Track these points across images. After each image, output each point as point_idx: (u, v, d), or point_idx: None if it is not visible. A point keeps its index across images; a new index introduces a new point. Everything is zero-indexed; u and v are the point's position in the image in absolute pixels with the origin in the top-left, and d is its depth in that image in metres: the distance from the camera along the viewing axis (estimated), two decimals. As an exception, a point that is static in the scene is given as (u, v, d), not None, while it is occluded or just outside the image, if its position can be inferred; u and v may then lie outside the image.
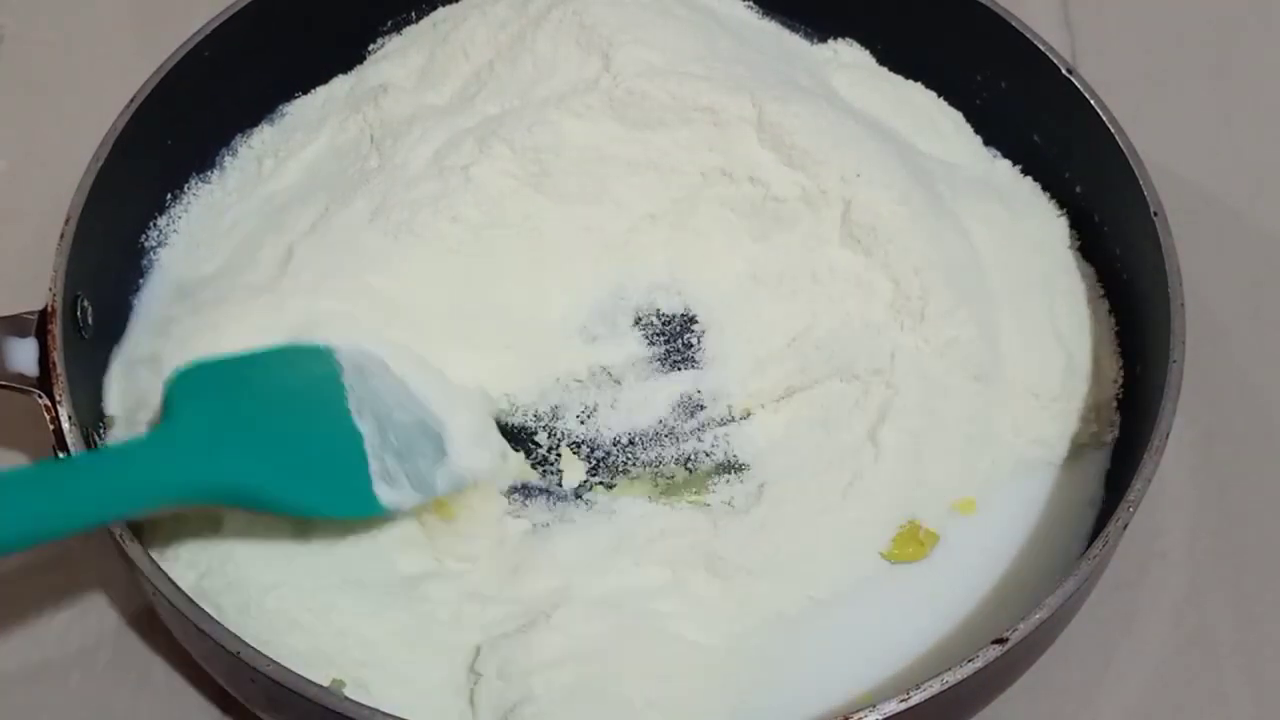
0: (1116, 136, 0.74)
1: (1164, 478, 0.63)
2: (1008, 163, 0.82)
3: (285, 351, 0.67)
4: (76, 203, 0.70)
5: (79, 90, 0.91)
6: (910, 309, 0.72)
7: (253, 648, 0.58)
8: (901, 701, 0.56)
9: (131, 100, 0.74)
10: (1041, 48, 0.79)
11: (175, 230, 0.79)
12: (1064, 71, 0.77)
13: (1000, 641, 0.58)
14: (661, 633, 0.65)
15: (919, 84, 0.85)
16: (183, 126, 0.79)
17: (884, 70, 0.86)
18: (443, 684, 0.64)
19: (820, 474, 0.70)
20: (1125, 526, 0.62)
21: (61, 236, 0.68)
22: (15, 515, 0.53)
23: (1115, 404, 0.73)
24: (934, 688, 0.56)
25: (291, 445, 0.63)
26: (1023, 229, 0.78)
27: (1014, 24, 0.80)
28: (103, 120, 0.72)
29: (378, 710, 0.56)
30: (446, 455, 0.67)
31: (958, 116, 0.84)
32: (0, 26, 0.95)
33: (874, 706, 0.56)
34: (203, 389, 0.62)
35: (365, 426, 0.65)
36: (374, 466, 0.64)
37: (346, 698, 0.57)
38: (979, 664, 0.57)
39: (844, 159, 0.74)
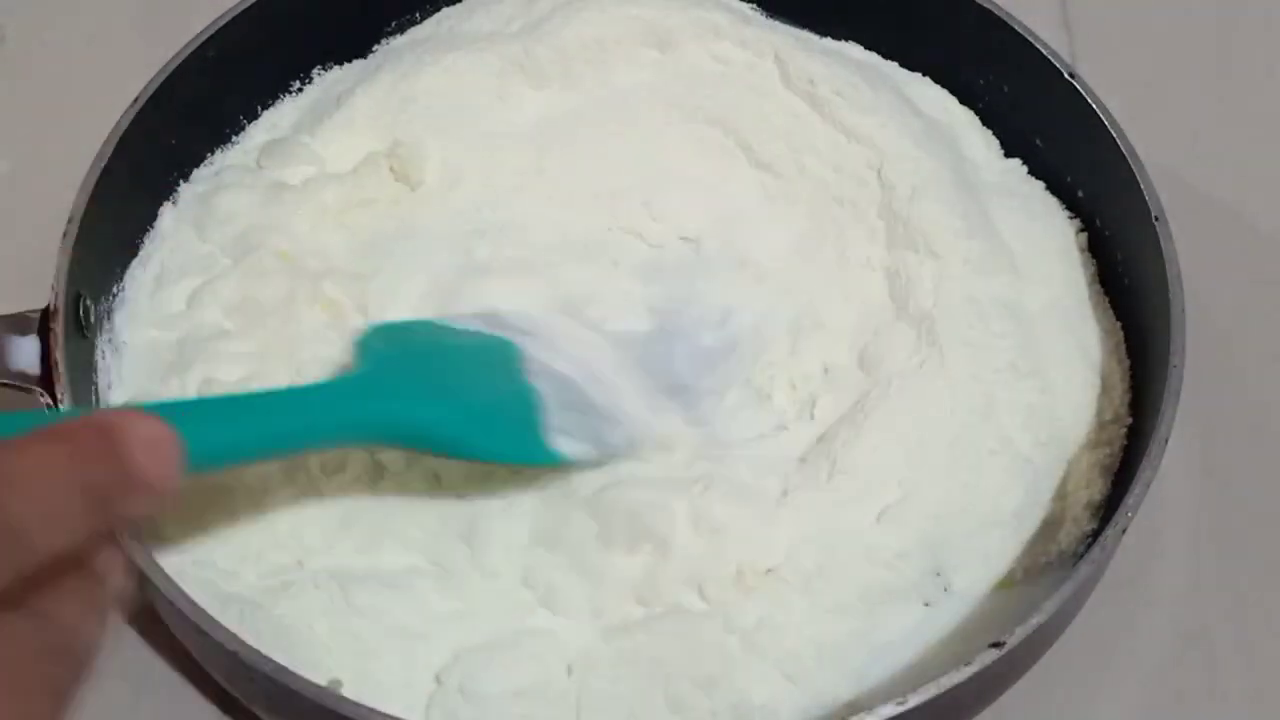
0: (1118, 140, 0.74)
1: (1164, 478, 0.63)
2: (1017, 161, 0.82)
3: (461, 320, 0.71)
4: (79, 202, 0.70)
5: (80, 90, 0.91)
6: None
7: (252, 648, 0.58)
8: (898, 705, 0.56)
9: (135, 100, 0.74)
10: (1044, 51, 0.78)
11: (177, 229, 0.79)
12: (1066, 75, 0.77)
13: (997, 645, 0.58)
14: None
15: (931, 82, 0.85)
16: (185, 126, 0.79)
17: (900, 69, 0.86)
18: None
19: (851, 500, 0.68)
20: (1124, 531, 0.62)
21: (64, 235, 0.68)
22: (232, 434, 0.57)
23: (1127, 414, 0.72)
24: (930, 691, 0.56)
25: (472, 393, 0.67)
26: (1042, 229, 0.78)
27: (1016, 27, 0.80)
28: (104, 120, 0.72)
29: (375, 710, 0.56)
30: (621, 418, 0.69)
31: (972, 116, 0.84)
32: (0, 26, 0.95)
33: (870, 710, 0.56)
34: (390, 342, 0.67)
35: (541, 384, 0.67)
36: (551, 420, 0.66)
37: (344, 698, 0.57)
38: (976, 668, 0.57)
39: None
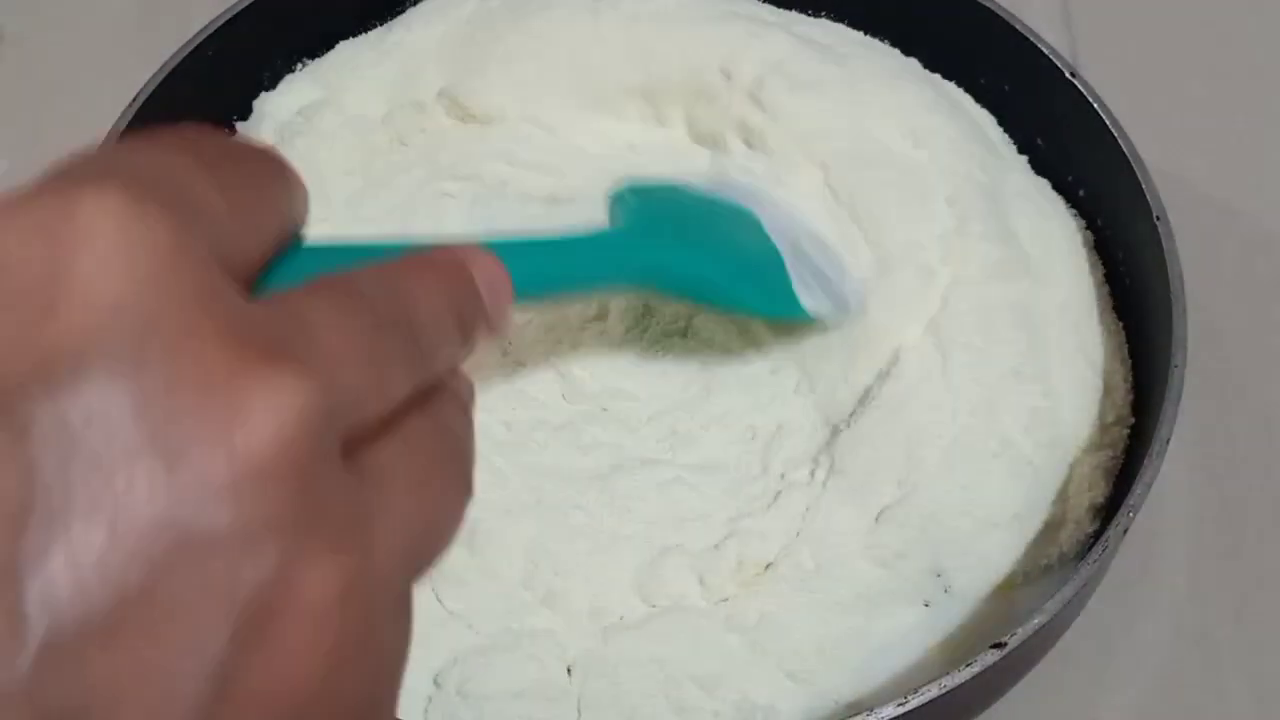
0: (1120, 141, 0.74)
1: (1164, 478, 0.63)
2: (1026, 159, 0.82)
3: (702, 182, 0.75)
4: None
5: (79, 90, 0.91)
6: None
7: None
8: (899, 706, 0.56)
9: (135, 98, 0.74)
10: (1046, 51, 0.79)
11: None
12: (1068, 75, 0.77)
13: (999, 646, 0.58)
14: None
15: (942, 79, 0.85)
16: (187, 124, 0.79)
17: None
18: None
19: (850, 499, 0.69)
20: (1125, 531, 0.62)
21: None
22: (545, 274, 0.57)
23: (1129, 415, 0.72)
24: (932, 692, 0.56)
25: (721, 244, 0.70)
26: (1056, 229, 0.78)
27: (1018, 27, 0.80)
28: (103, 119, 0.72)
29: (376, 711, 0.56)
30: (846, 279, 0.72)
31: (990, 116, 0.84)
32: (0, 26, 0.95)
33: (871, 711, 0.56)
34: (644, 199, 0.69)
35: (780, 244, 0.70)
36: (794, 277, 0.69)
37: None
38: (977, 668, 0.57)
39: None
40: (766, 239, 0.71)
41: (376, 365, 0.28)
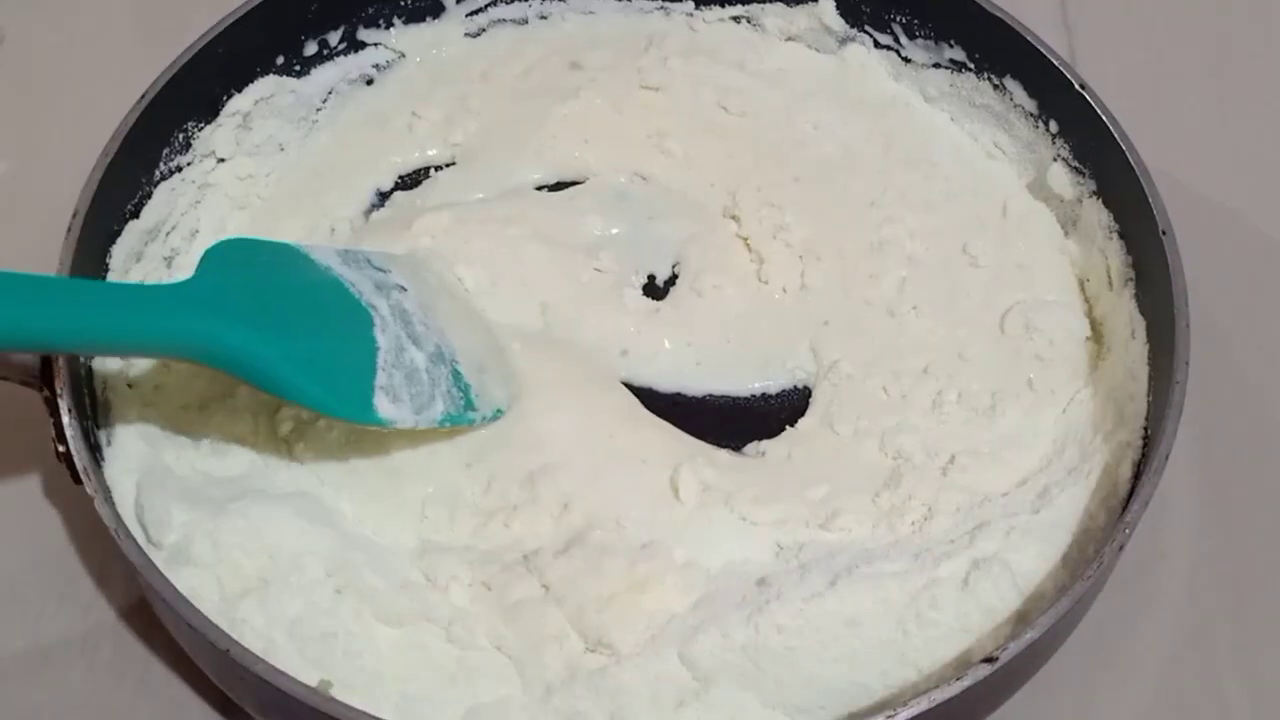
0: (1128, 154, 0.74)
1: (1164, 478, 0.63)
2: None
3: (326, 251, 0.70)
4: (85, 197, 0.70)
5: (80, 90, 0.91)
6: None
7: (243, 646, 0.58)
8: (887, 717, 0.55)
9: (142, 96, 0.74)
10: (1056, 63, 0.78)
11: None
12: (1077, 87, 0.77)
13: (990, 660, 0.57)
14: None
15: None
16: (191, 123, 0.79)
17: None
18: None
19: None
20: (1121, 548, 0.61)
21: (69, 230, 0.69)
22: (39, 315, 0.55)
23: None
24: (921, 705, 0.56)
25: (306, 331, 0.65)
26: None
27: (1028, 38, 0.79)
28: (103, 119, 0.72)
29: (365, 713, 0.56)
30: (462, 383, 0.69)
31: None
32: (0, 27, 0.96)
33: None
34: (235, 259, 0.65)
35: (384, 340, 0.67)
36: (380, 379, 0.66)
37: (333, 698, 0.57)
38: (967, 682, 0.57)
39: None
40: (367, 334, 0.66)
41: None
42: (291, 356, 0.62)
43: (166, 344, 0.60)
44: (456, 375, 0.69)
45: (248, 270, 0.65)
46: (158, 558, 0.63)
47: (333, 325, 0.66)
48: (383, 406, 0.65)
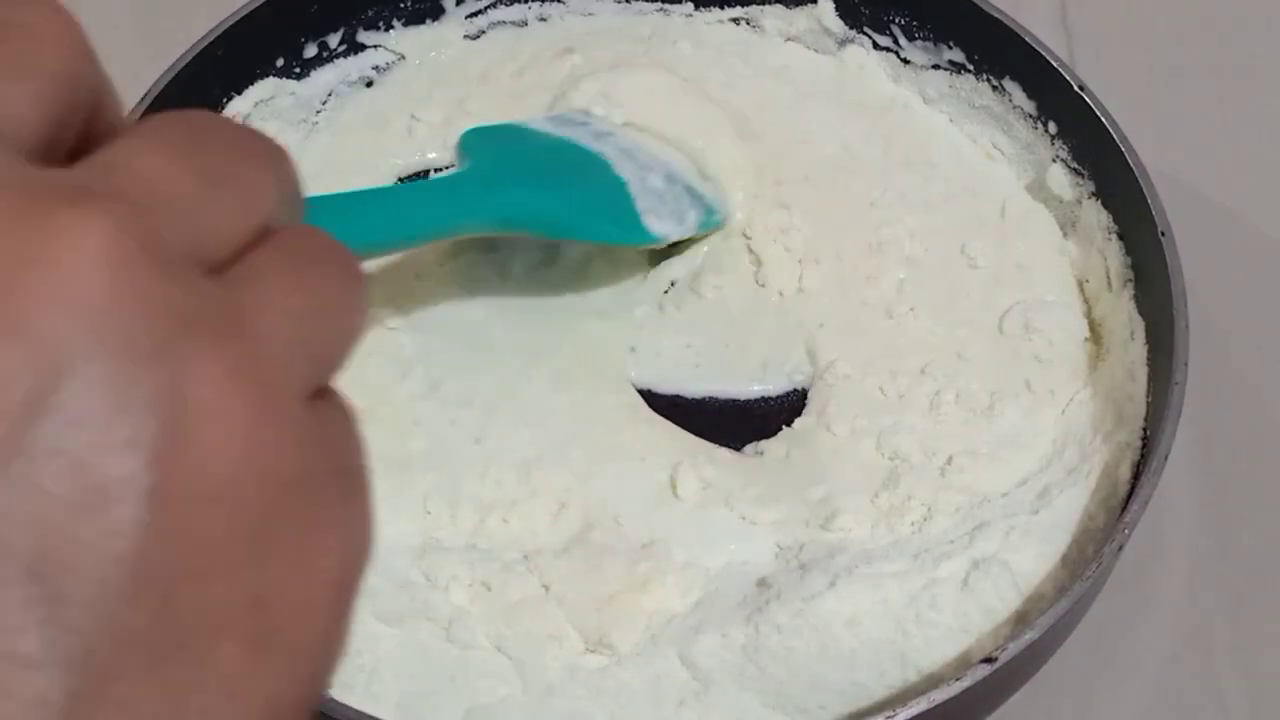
0: (1127, 155, 0.74)
1: (1163, 478, 0.63)
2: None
3: (547, 121, 0.79)
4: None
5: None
6: None
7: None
8: (887, 718, 0.56)
9: (142, 98, 0.74)
10: (1054, 64, 0.78)
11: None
12: (1076, 88, 0.77)
13: (989, 661, 0.57)
14: None
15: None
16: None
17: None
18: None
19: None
20: (1121, 548, 0.62)
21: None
22: (364, 227, 0.63)
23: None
24: (920, 705, 0.56)
25: (570, 183, 0.74)
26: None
27: (1027, 38, 0.79)
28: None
29: (364, 713, 0.56)
30: (697, 194, 0.78)
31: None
32: (1, 27, 0.95)
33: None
34: (488, 141, 0.74)
35: (627, 174, 0.75)
36: (640, 204, 0.74)
37: (332, 699, 0.57)
38: (966, 683, 0.57)
39: None
40: (608, 171, 0.75)
41: (199, 177, 0.27)
42: (572, 204, 0.73)
43: (472, 224, 0.70)
44: (690, 189, 0.77)
45: (501, 147, 0.74)
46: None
47: (585, 174, 0.75)
48: (653, 225, 0.74)
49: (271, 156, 0.30)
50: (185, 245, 0.26)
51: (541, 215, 0.72)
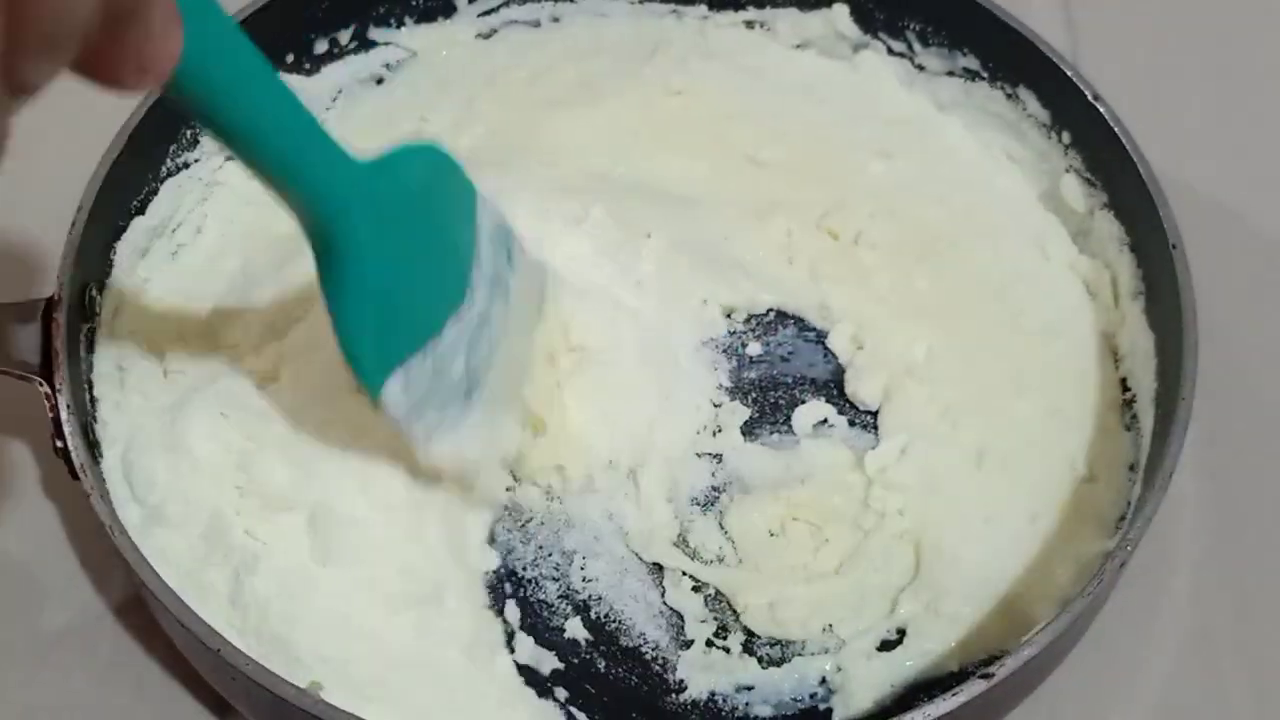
0: (1139, 167, 0.73)
1: (1169, 490, 0.62)
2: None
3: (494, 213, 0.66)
4: (89, 192, 0.70)
5: (79, 89, 0.90)
6: None
7: (233, 645, 0.58)
8: (885, 732, 0.55)
9: (150, 92, 0.74)
10: (1070, 74, 0.77)
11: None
12: (1090, 97, 0.76)
13: (986, 677, 0.57)
14: None
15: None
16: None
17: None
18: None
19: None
20: (1123, 565, 0.61)
21: (73, 225, 0.69)
22: (228, 69, 0.54)
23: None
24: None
25: (408, 273, 0.61)
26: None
27: (1045, 50, 0.79)
28: (108, 114, 0.72)
29: (355, 715, 0.55)
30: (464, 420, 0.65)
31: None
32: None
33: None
34: (416, 169, 0.62)
35: (449, 333, 0.62)
36: (413, 361, 0.61)
37: (322, 700, 0.57)
38: (964, 697, 0.56)
39: None
40: (441, 318, 0.62)
41: None
42: (377, 290, 0.60)
43: (305, 192, 0.58)
44: (466, 399, 0.65)
45: (415, 186, 0.62)
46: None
47: (428, 286, 0.62)
48: (391, 388, 0.61)
49: None
50: None
51: (346, 266, 0.59)
